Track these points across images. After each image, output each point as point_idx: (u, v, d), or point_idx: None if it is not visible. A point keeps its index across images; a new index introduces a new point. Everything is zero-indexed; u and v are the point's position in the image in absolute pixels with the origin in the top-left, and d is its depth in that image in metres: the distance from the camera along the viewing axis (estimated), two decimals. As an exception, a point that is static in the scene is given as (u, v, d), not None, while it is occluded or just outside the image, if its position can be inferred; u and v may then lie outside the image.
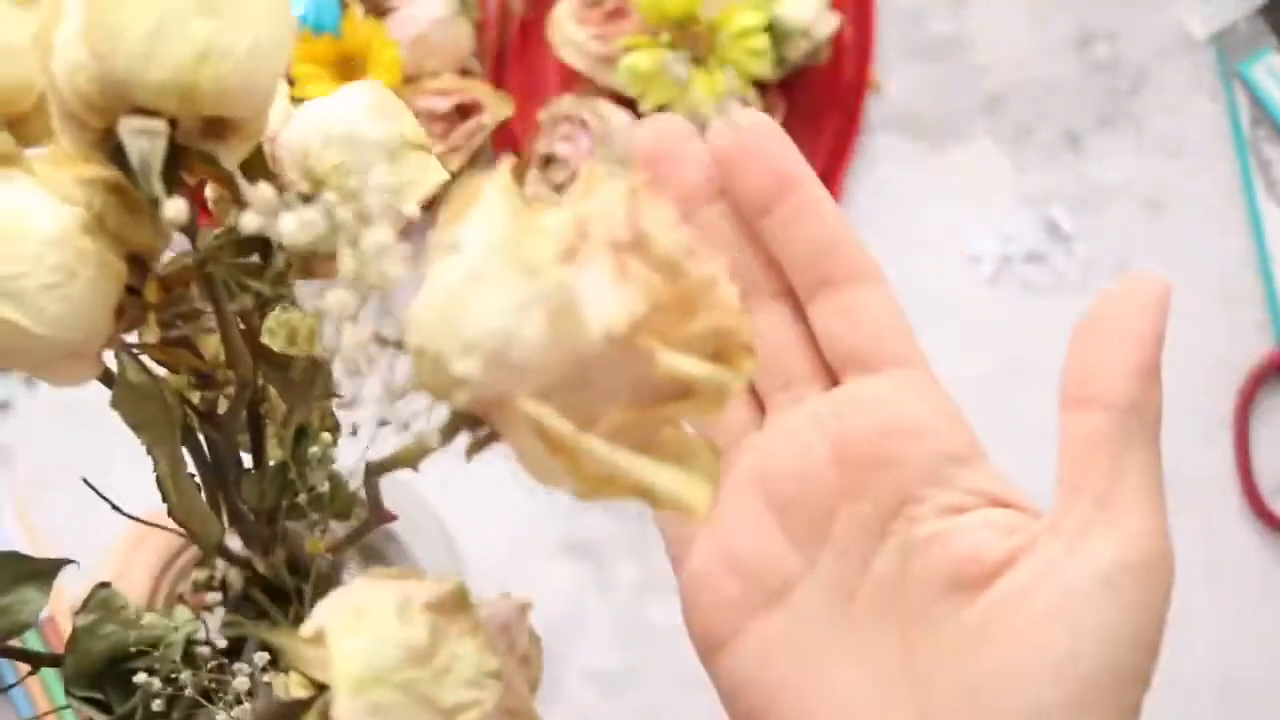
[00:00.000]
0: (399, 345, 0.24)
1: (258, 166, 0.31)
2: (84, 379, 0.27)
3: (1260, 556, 0.68)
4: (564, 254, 0.22)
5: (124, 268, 0.27)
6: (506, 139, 0.73)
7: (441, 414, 0.25)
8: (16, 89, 0.28)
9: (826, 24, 0.66)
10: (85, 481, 0.37)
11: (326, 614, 0.25)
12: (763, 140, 0.31)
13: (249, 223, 0.23)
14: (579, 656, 0.69)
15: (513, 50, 0.73)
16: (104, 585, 0.35)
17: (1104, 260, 0.70)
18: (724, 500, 0.32)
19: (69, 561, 0.35)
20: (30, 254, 0.25)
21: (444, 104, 0.69)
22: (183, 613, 0.37)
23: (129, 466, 0.65)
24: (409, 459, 0.26)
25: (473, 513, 0.67)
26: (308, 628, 0.25)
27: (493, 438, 0.24)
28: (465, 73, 0.72)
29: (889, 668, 0.30)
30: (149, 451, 0.32)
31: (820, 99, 0.70)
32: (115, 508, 0.38)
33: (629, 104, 0.68)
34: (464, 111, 0.70)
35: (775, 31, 0.64)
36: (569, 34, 0.68)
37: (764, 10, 0.64)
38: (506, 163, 0.25)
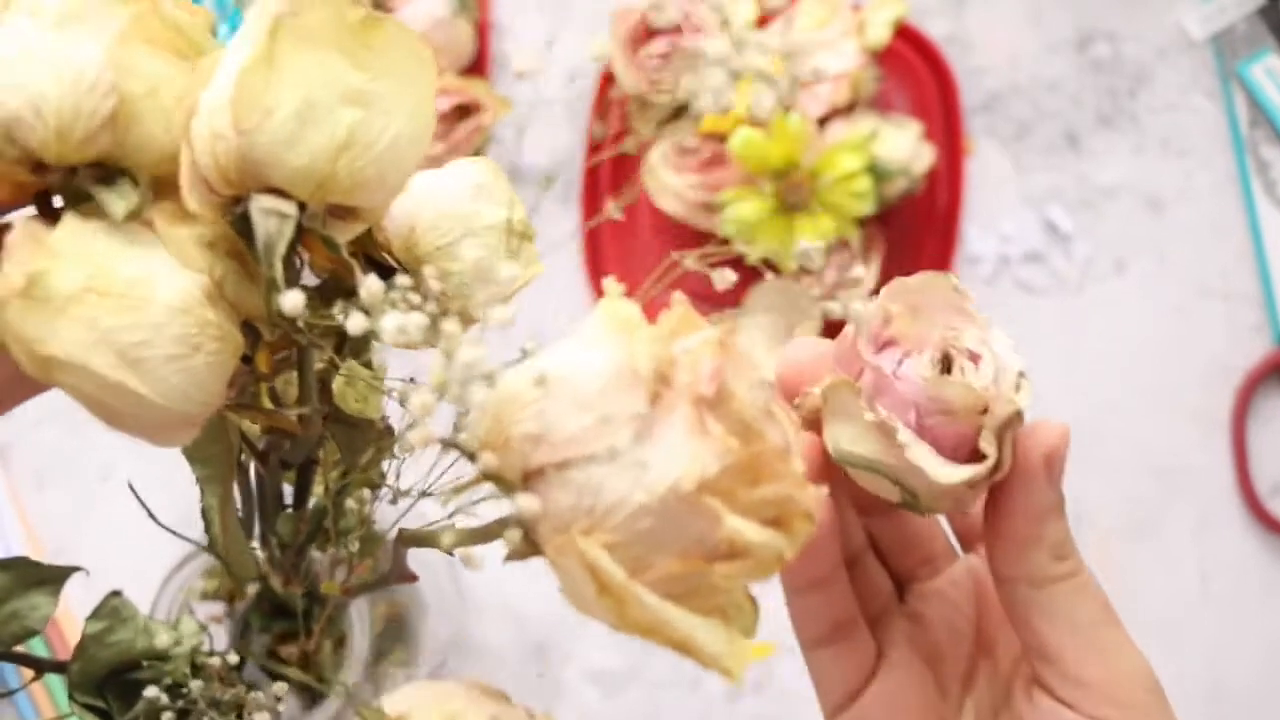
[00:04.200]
0: (470, 457, 0.24)
1: (363, 236, 0.30)
2: (184, 442, 0.26)
3: (1257, 557, 0.68)
4: (649, 398, 0.22)
5: (241, 340, 0.26)
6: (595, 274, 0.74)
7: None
8: (170, 153, 0.26)
9: (923, 159, 0.66)
10: (130, 488, 0.37)
11: (413, 703, 0.26)
12: None
13: (355, 325, 0.23)
14: (579, 656, 0.69)
15: (605, 191, 0.73)
16: (115, 594, 0.35)
17: (1103, 260, 0.70)
18: (886, 656, 0.35)
19: (77, 569, 0.35)
20: (154, 322, 0.24)
21: (444, 104, 0.69)
22: (189, 624, 0.37)
23: (130, 466, 0.64)
24: (443, 543, 0.26)
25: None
26: (393, 707, 0.25)
27: (536, 552, 0.24)
28: (465, 73, 0.72)
29: None
30: (200, 483, 0.32)
31: (917, 227, 0.70)
32: (152, 516, 0.38)
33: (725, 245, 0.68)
34: (464, 111, 0.70)
35: (876, 172, 0.64)
36: (666, 181, 0.67)
37: (863, 152, 0.64)
38: (615, 287, 0.24)
